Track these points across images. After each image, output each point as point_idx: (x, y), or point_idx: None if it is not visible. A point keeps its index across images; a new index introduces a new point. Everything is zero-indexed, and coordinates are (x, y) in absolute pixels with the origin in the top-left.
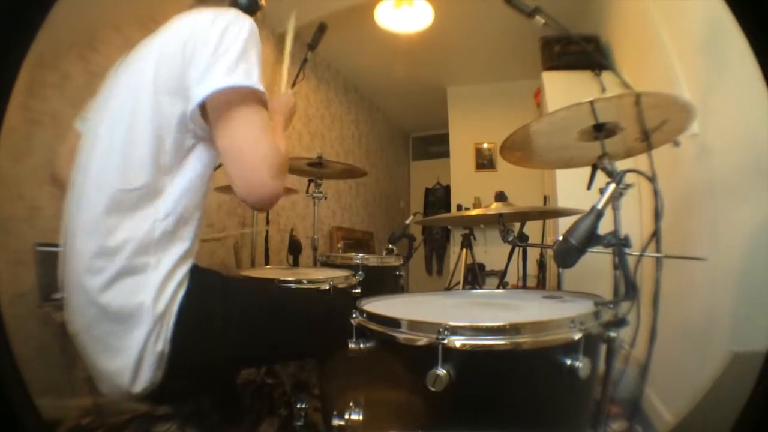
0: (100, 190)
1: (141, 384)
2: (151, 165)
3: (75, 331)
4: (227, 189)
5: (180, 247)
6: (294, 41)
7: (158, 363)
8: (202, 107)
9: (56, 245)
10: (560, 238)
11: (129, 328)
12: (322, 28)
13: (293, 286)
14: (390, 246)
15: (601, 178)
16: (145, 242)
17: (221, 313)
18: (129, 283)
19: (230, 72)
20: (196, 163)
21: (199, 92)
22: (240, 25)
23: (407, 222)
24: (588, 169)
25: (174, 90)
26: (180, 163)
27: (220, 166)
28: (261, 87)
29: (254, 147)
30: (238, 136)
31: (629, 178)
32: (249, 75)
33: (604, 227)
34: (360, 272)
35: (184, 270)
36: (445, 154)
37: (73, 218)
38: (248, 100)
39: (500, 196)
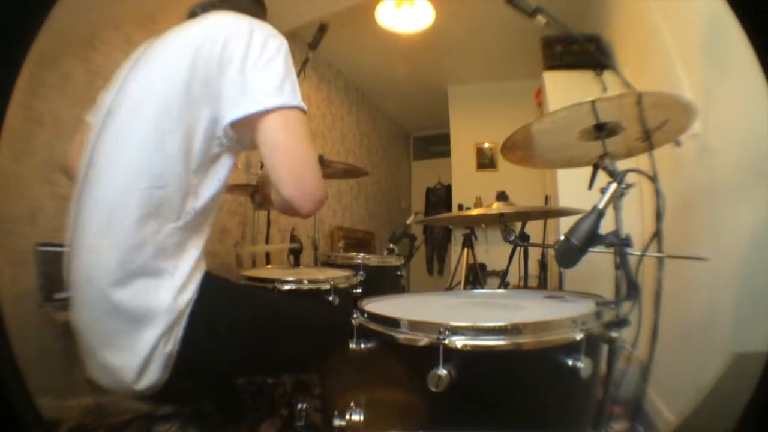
0: (120, 187)
1: (145, 383)
2: (181, 166)
3: (79, 326)
4: (228, 189)
5: (195, 251)
6: None
7: (166, 364)
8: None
9: (57, 245)
10: (562, 238)
11: (140, 327)
12: (322, 28)
13: (294, 286)
14: (391, 246)
15: (602, 177)
16: (163, 246)
17: (230, 319)
18: (144, 284)
19: (279, 91)
20: (219, 173)
21: (245, 108)
22: (279, 40)
23: (408, 222)
24: (589, 169)
25: (206, 92)
26: (206, 169)
27: None
28: (304, 105)
29: (304, 152)
30: (289, 146)
31: (630, 177)
32: (295, 94)
33: (606, 227)
34: (361, 272)
35: (199, 275)
36: (446, 154)
37: (85, 213)
38: (295, 116)
39: (501, 196)
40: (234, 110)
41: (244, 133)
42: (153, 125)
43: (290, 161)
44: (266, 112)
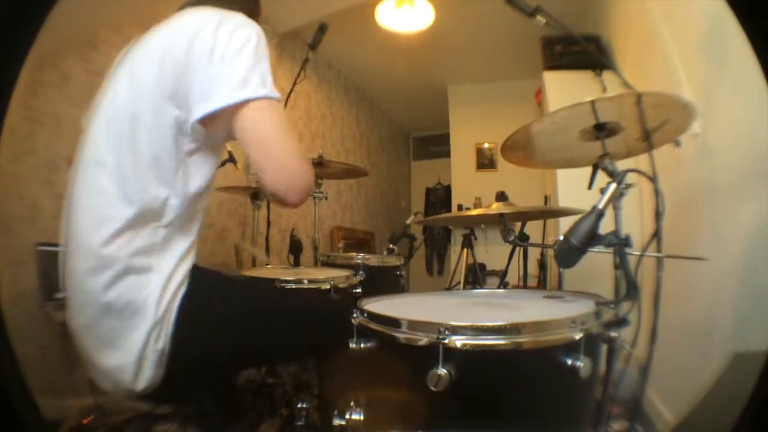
0: (102, 192)
1: (143, 382)
2: (155, 167)
3: (75, 329)
4: (228, 189)
5: (181, 246)
6: None
7: (159, 361)
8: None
9: (57, 245)
10: (561, 238)
11: (131, 325)
12: (322, 29)
13: (293, 285)
14: (391, 246)
15: (602, 178)
16: (147, 245)
17: (221, 312)
18: (131, 281)
19: (244, 84)
20: (199, 167)
21: (211, 104)
22: (248, 29)
23: (408, 222)
24: (589, 169)
25: (175, 92)
26: (185, 167)
27: (221, 165)
28: (276, 94)
29: (281, 140)
30: (264, 138)
31: (630, 177)
32: (264, 83)
33: (605, 227)
34: (361, 272)
35: (185, 268)
36: (446, 154)
37: (73, 218)
38: (266, 105)
39: (501, 196)
40: (199, 107)
41: (216, 129)
42: (126, 129)
43: (267, 153)
44: (236, 106)
